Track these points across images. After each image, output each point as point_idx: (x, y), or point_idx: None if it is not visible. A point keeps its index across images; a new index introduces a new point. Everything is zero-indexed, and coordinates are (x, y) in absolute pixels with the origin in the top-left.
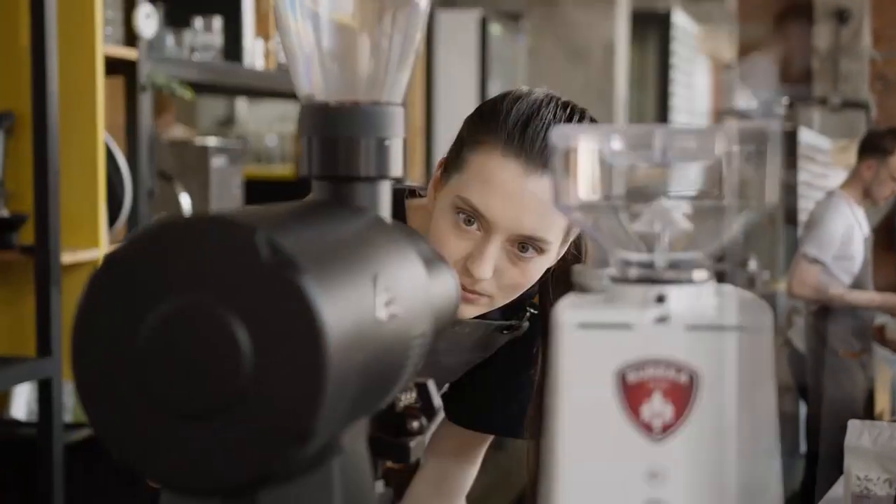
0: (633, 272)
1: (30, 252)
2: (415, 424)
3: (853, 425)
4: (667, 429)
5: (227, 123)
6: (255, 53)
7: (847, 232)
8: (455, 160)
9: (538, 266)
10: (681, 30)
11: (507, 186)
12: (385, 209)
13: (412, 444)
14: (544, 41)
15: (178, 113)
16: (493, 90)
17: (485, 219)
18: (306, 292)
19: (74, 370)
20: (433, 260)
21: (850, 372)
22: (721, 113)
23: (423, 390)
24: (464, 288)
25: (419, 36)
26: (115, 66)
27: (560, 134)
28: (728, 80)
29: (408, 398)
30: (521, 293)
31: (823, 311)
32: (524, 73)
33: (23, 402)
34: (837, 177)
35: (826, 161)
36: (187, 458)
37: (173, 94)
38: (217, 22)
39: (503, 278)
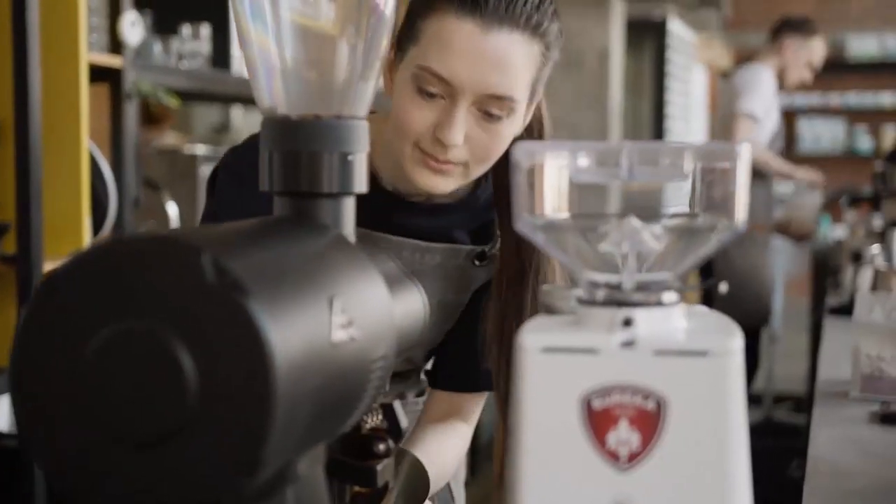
0: (601, 294)
1: (11, 262)
2: (381, 447)
3: (862, 298)
4: (633, 458)
5: (221, 131)
6: (243, 61)
7: (772, 93)
8: (408, 34)
9: (508, 130)
10: (676, 38)
11: (466, 46)
12: (349, 225)
13: (379, 467)
14: None
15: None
16: None
17: (448, 83)
18: (253, 315)
19: (13, 393)
20: (398, 278)
21: (757, 245)
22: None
23: (388, 411)
24: (436, 159)
25: (384, 45)
26: (100, 74)
27: (524, 151)
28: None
29: (373, 420)
30: (492, 162)
31: None
32: None
33: (5, 413)
34: (699, 71)
35: (691, 54)
36: (131, 486)
37: (159, 101)
38: (205, 29)
39: (474, 144)
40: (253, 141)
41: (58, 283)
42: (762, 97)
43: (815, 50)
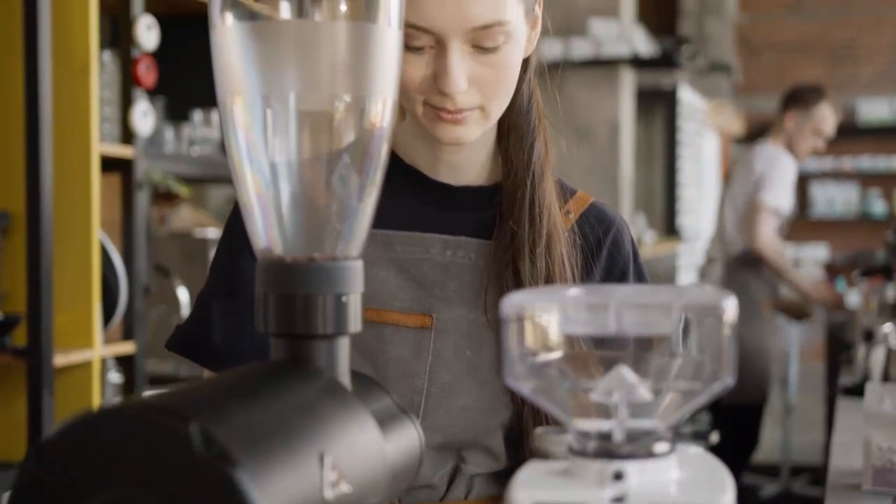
0: (591, 445)
1: (22, 354)
2: None
3: (872, 389)
4: None
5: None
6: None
7: (792, 186)
8: None
9: (512, 56)
10: (687, 105)
11: None
12: (343, 366)
13: None
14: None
15: (196, 185)
16: None
17: (429, 31)
18: (241, 487)
19: None
20: (392, 415)
21: (765, 322)
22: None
23: None
24: (447, 111)
25: (376, 185)
26: (111, 164)
27: (512, 303)
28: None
29: None
30: (509, 94)
31: (744, 260)
32: None
33: None
34: (711, 137)
35: (702, 120)
36: None
37: (169, 190)
38: (216, 115)
39: (481, 83)
40: None
41: (47, 452)
42: (786, 188)
43: (819, 118)
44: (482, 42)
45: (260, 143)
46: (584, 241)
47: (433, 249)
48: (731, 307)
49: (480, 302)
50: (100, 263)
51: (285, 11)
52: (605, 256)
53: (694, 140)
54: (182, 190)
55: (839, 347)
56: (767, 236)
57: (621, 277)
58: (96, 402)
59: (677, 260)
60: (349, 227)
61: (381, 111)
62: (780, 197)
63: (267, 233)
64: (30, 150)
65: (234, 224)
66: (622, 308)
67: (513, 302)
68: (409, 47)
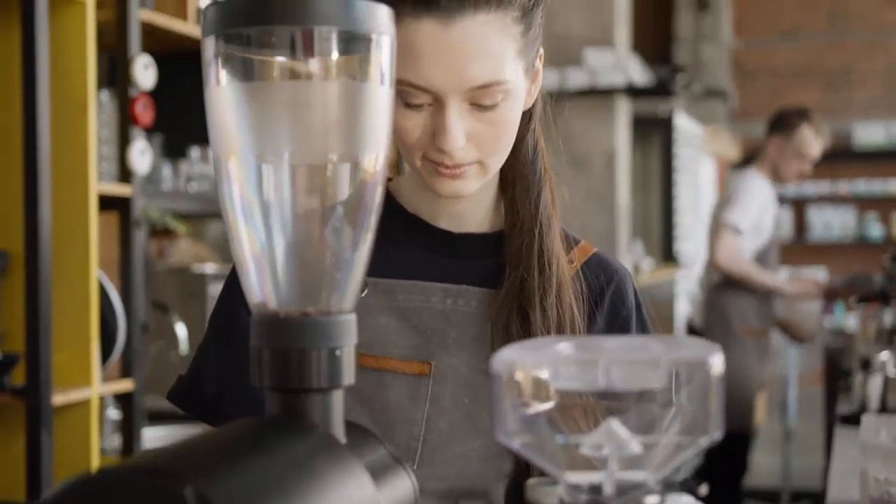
0: (582, 498)
1: (21, 394)
2: None
3: (868, 420)
4: None
5: None
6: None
7: (763, 204)
8: None
9: (510, 112)
10: (683, 132)
11: (430, 47)
12: (337, 419)
13: None
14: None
15: (193, 221)
16: None
17: (427, 90)
18: None
19: None
20: (387, 466)
21: (745, 349)
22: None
23: None
24: (446, 166)
25: (369, 238)
26: (109, 202)
27: (502, 360)
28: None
29: None
30: (507, 149)
31: (724, 285)
32: None
33: None
34: (707, 162)
35: (698, 146)
36: None
37: (167, 227)
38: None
39: (479, 139)
40: None
41: None
42: (749, 209)
43: (800, 141)
44: (480, 100)
45: (254, 200)
46: (588, 289)
47: (434, 298)
48: (717, 362)
49: (481, 350)
50: (98, 302)
51: (279, 71)
52: (607, 306)
53: (690, 166)
54: (179, 227)
55: (837, 373)
56: (725, 252)
57: (623, 326)
58: (95, 440)
59: (675, 286)
60: (343, 281)
61: (374, 166)
62: (739, 215)
63: (261, 287)
64: (28, 190)
65: (234, 279)
66: (611, 364)
67: (503, 358)
68: (407, 104)
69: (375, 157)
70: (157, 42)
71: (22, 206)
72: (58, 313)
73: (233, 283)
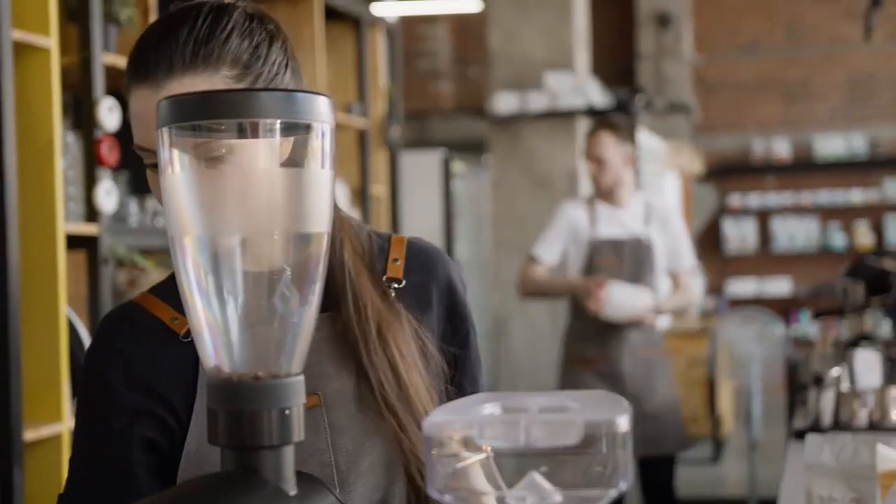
0: None
1: None
2: None
3: (812, 440)
4: None
5: None
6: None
7: (572, 230)
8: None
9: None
10: (646, 148)
11: (148, 110)
12: (288, 472)
13: None
14: (508, 171)
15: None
16: (459, 225)
17: (152, 150)
18: None
19: None
20: None
21: (575, 383)
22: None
23: None
24: None
25: (314, 307)
26: (77, 241)
27: (432, 423)
28: (697, 191)
29: None
30: None
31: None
32: (489, 204)
33: None
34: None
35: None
36: None
37: (134, 264)
38: None
39: None
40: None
41: None
42: (549, 236)
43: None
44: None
45: (208, 275)
46: (416, 280)
47: None
48: (624, 422)
49: (350, 365)
50: (67, 339)
51: (227, 159)
52: (438, 291)
53: (654, 181)
54: (147, 265)
55: (797, 384)
56: (519, 280)
57: (460, 308)
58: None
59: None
60: (291, 344)
61: (318, 238)
62: (540, 245)
63: (216, 353)
64: None
65: (107, 358)
66: (531, 424)
67: (433, 422)
68: (149, 166)
69: (319, 231)
70: (121, 83)
71: None
72: (27, 350)
73: (106, 363)
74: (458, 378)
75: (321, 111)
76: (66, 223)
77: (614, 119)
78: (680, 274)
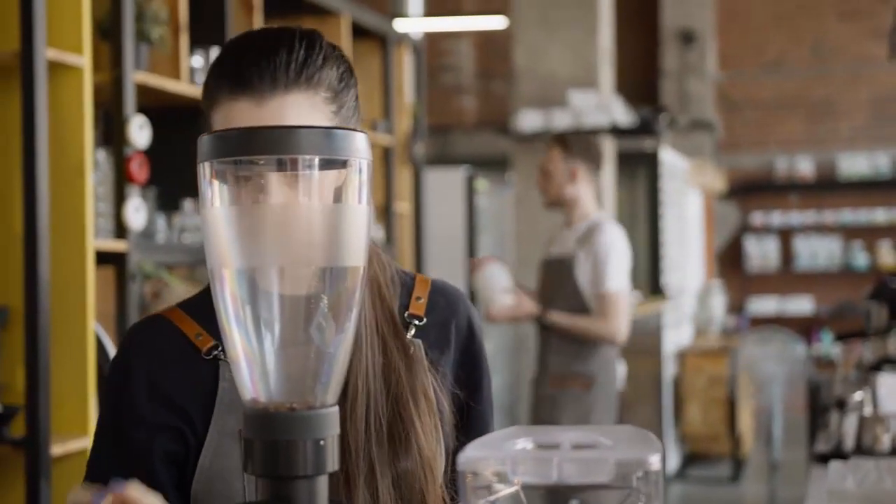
0: None
1: (20, 445)
2: None
3: (835, 467)
4: None
5: None
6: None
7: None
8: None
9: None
10: (669, 165)
11: (245, 123)
12: (322, 502)
13: None
14: (531, 188)
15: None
16: (481, 241)
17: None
18: None
19: None
20: None
21: (556, 404)
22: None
23: None
24: None
25: (349, 339)
26: (105, 257)
27: (465, 459)
28: (720, 209)
29: None
30: None
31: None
32: (512, 222)
33: None
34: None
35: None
36: None
37: (160, 279)
38: None
39: None
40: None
41: None
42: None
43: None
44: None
45: (246, 306)
46: (437, 319)
47: None
48: (656, 461)
49: None
50: (95, 354)
51: (267, 194)
52: (457, 331)
53: (677, 199)
54: (173, 280)
55: (819, 406)
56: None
57: (476, 351)
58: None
59: (662, 318)
60: (326, 376)
61: (355, 271)
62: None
63: (252, 384)
64: (28, 247)
65: (126, 376)
66: (564, 461)
67: (468, 457)
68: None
69: (355, 265)
70: (151, 100)
71: (22, 263)
72: (56, 366)
73: (130, 373)
74: (465, 429)
75: (359, 147)
76: (96, 239)
77: (569, 137)
78: (603, 297)
